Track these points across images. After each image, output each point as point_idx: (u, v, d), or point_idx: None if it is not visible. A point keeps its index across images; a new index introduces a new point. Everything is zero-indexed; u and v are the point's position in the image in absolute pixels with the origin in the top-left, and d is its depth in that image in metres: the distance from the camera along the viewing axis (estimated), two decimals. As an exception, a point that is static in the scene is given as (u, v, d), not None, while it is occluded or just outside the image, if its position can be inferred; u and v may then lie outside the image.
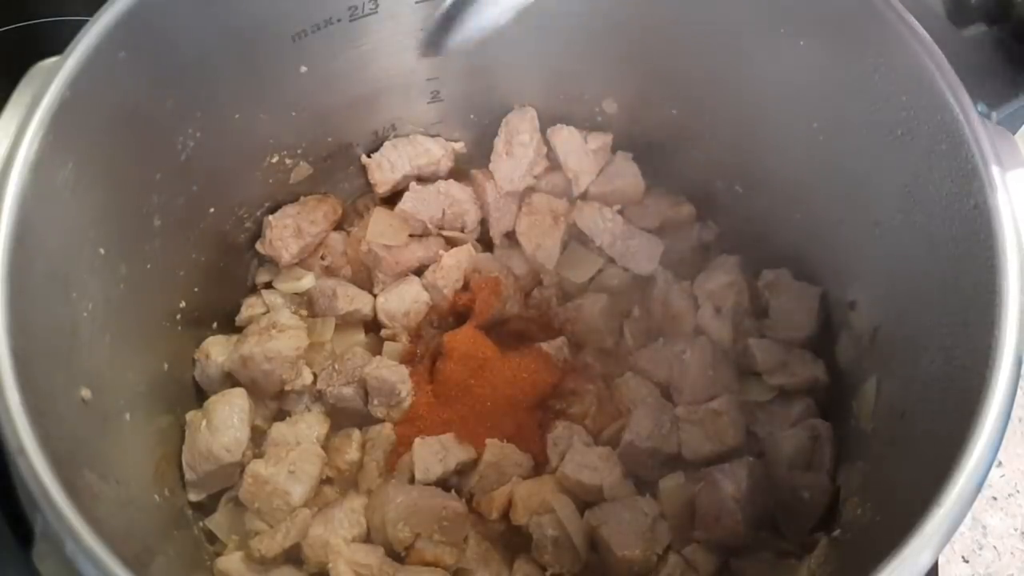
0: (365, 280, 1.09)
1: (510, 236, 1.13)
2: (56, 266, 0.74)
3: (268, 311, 1.05)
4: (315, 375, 1.01)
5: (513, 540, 0.93)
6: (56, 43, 0.75)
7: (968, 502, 0.62)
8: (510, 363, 1.01)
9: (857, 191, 0.89)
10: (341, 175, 1.11)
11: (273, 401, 1.01)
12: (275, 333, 0.98)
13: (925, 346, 0.79)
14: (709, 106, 1.02)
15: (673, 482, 0.94)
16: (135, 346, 0.87)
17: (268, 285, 1.08)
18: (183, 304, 0.97)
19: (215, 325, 1.04)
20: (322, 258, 1.09)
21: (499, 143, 1.10)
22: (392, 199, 1.11)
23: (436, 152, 1.11)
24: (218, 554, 0.90)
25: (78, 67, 0.74)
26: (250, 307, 1.06)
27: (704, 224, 1.12)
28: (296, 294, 1.07)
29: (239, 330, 1.04)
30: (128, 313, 0.85)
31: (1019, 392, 0.67)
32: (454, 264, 1.07)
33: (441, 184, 1.11)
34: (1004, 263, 0.69)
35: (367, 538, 0.91)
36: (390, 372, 0.99)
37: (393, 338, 1.05)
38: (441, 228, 1.11)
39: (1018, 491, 1.07)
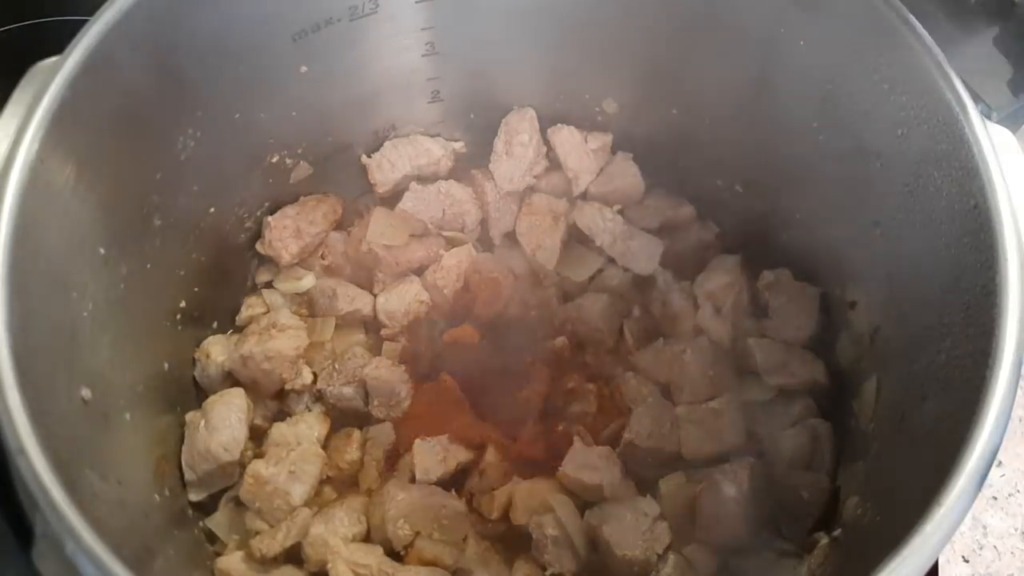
0: (365, 280, 1.09)
1: (510, 236, 1.13)
2: (56, 266, 0.74)
3: (268, 311, 1.05)
4: (315, 375, 1.01)
5: (513, 540, 0.93)
6: (56, 43, 0.75)
7: (968, 502, 0.62)
8: (510, 363, 1.01)
9: (857, 191, 0.89)
10: (341, 175, 1.11)
11: (273, 401, 1.01)
12: (275, 333, 0.98)
13: (925, 346, 0.78)
14: (709, 106, 1.01)
15: (673, 482, 0.94)
16: (135, 346, 0.87)
17: (268, 285, 1.08)
18: (183, 304, 0.97)
19: (215, 325, 1.04)
20: (322, 258, 1.09)
21: (499, 143, 1.10)
22: (392, 199, 1.11)
23: (436, 152, 1.11)
24: (218, 554, 0.90)
25: (78, 67, 0.74)
26: (250, 307, 1.06)
27: (704, 224, 1.12)
28: (296, 294, 1.07)
29: (239, 330, 1.04)
30: (128, 313, 0.85)
31: (1019, 392, 0.67)
32: (454, 264, 1.07)
33: (441, 184, 1.11)
34: (1004, 263, 0.69)
35: (367, 537, 0.92)
36: (390, 372, 0.99)
37: (393, 338, 1.05)
38: (441, 228, 1.11)
39: (1018, 491, 1.07)
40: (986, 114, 1.03)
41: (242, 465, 0.93)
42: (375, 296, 1.07)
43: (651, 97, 1.06)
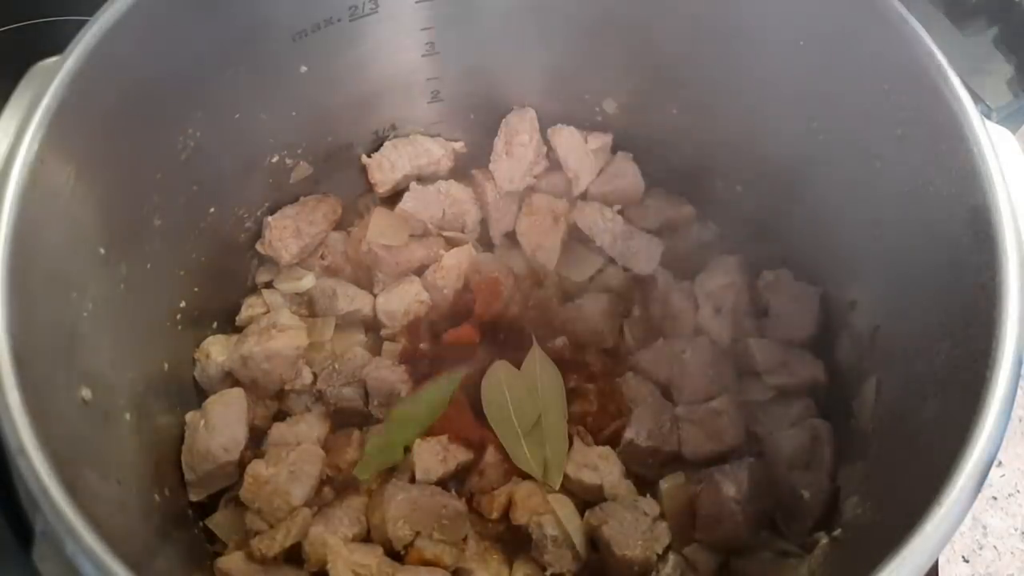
0: (365, 280, 1.09)
1: (510, 236, 1.13)
2: (56, 266, 0.74)
3: (268, 311, 1.05)
4: (315, 375, 1.01)
5: (513, 540, 0.93)
6: (56, 43, 0.75)
7: (968, 502, 0.62)
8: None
9: (857, 191, 0.89)
10: (341, 175, 1.11)
11: (273, 401, 1.01)
12: (275, 333, 0.98)
13: (925, 346, 0.78)
14: (709, 106, 1.01)
15: (673, 482, 0.94)
16: (135, 346, 0.87)
17: (268, 285, 1.08)
18: (183, 304, 0.97)
19: (215, 325, 1.04)
20: (322, 258, 1.09)
21: (499, 143, 1.10)
22: (392, 199, 1.11)
23: (436, 152, 1.11)
24: (218, 554, 0.90)
25: (78, 67, 0.74)
26: (250, 307, 1.06)
27: (704, 224, 1.12)
28: (296, 294, 1.07)
29: (239, 330, 1.04)
30: (128, 313, 0.85)
31: (1019, 392, 0.67)
32: (454, 264, 1.07)
33: (441, 184, 1.11)
34: (1004, 263, 0.69)
35: (367, 537, 0.92)
36: (390, 372, 0.99)
37: (393, 338, 1.05)
38: (441, 228, 1.11)
39: (1018, 491, 1.07)
40: (986, 114, 1.03)
41: (242, 465, 0.93)
42: (375, 296, 1.07)
43: (651, 97, 1.06)
